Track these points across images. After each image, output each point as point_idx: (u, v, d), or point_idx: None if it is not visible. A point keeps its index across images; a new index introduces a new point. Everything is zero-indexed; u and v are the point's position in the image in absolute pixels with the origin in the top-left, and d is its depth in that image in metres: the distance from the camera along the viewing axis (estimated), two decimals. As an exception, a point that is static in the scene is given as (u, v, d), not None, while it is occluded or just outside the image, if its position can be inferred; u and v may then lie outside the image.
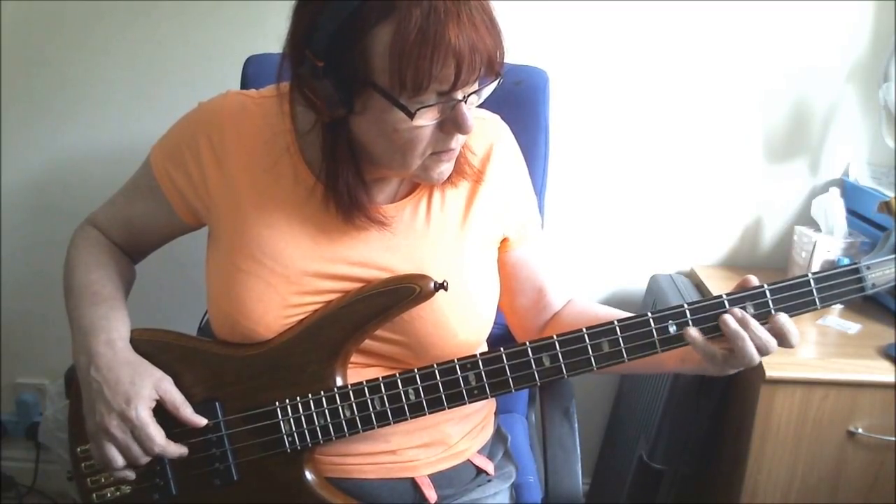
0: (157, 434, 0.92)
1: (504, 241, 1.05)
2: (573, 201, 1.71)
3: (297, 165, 0.95)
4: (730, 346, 0.87)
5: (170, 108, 1.60)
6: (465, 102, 0.82)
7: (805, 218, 1.67)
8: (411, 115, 0.80)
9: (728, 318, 0.87)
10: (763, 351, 0.86)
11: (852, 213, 1.59)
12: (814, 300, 0.88)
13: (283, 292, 0.94)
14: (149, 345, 0.97)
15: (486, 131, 1.03)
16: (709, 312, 0.88)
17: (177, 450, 0.94)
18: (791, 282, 0.88)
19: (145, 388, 0.92)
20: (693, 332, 0.88)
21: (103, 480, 0.99)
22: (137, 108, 1.69)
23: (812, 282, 0.88)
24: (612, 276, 1.78)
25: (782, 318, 0.87)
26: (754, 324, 0.86)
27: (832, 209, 1.56)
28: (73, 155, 1.73)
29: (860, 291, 0.89)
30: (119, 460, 0.92)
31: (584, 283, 1.77)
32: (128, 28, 1.63)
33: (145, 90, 1.67)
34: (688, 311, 0.89)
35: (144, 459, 0.93)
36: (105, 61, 1.66)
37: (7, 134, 1.72)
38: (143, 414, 0.91)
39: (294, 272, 0.94)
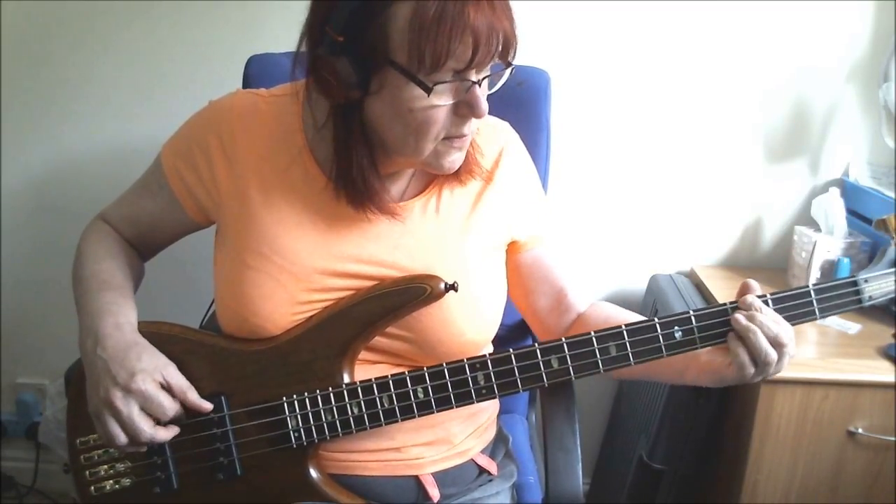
0: (168, 403, 0.91)
1: (513, 243, 1.05)
2: (574, 201, 1.72)
3: (308, 164, 0.96)
4: (744, 343, 0.88)
5: (170, 108, 1.61)
6: (479, 86, 0.83)
7: (805, 218, 1.67)
8: (428, 91, 0.80)
9: (738, 316, 0.89)
10: (775, 342, 0.87)
11: (852, 213, 1.59)
12: (814, 311, 0.92)
13: (291, 290, 0.94)
14: (154, 337, 0.96)
15: (497, 137, 1.03)
16: (713, 319, 0.91)
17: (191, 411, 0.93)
18: (793, 292, 0.92)
19: (151, 366, 0.91)
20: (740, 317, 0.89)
21: (102, 473, 0.98)
22: (137, 107, 1.68)
23: (812, 293, 0.92)
24: (612, 276, 1.78)
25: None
26: (760, 317, 0.88)
27: (832, 209, 1.57)
28: (73, 155, 1.73)
29: (857, 304, 0.93)
30: (122, 436, 0.90)
31: (585, 284, 1.77)
32: (128, 28, 1.63)
33: (145, 90, 1.67)
34: (693, 318, 0.91)
35: (150, 433, 0.90)
36: (105, 61, 1.66)
37: (7, 134, 1.72)
38: (150, 386, 0.90)
39: (303, 269, 0.94)
